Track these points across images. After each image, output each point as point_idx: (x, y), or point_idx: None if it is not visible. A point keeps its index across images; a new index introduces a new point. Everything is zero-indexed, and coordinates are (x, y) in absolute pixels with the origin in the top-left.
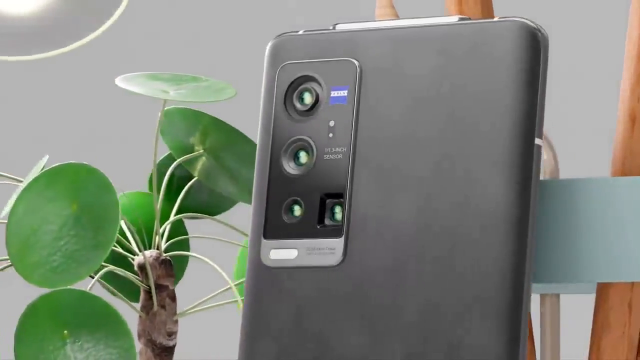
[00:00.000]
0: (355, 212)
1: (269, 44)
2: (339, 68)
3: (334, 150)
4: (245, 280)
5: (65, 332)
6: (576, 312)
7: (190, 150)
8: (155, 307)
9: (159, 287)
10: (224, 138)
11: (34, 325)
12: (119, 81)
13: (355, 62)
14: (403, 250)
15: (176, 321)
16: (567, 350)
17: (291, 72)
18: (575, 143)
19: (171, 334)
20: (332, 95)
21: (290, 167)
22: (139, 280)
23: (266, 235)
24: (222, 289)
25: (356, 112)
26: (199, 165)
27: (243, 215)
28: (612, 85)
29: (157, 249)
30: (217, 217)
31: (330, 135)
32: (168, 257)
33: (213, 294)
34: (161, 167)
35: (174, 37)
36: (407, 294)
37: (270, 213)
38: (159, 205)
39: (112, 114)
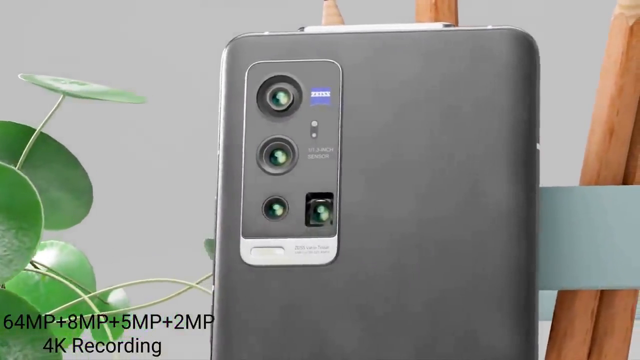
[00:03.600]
0: (346, 211)
1: (230, 44)
2: (319, 69)
3: (319, 150)
4: (218, 280)
5: None
6: None
7: None
8: None
9: None
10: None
11: None
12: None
13: (337, 63)
14: (403, 249)
15: None
16: None
17: (263, 72)
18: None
19: None
20: (312, 95)
21: (267, 167)
22: None
23: (245, 234)
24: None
25: (342, 113)
26: None
27: None
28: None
29: None
30: None
31: (314, 135)
32: None
33: None
34: None
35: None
36: (412, 291)
37: (247, 212)
38: None
39: None
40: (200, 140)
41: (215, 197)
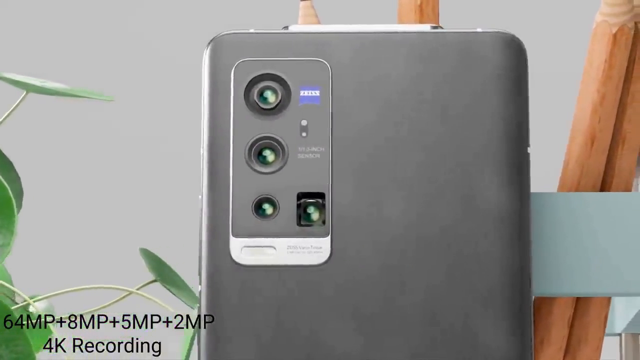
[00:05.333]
0: (338, 211)
1: (213, 42)
2: (308, 68)
3: (309, 149)
4: (207, 279)
5: None
6: None
7: None
8: None
9: None
10: None
11: None
12: None
13: (326, 62)
14: (396, 250)
15: None
16: None
17: (250, 70)
18: None
19: None
20: (302, 94)
21: (256, 165)
22: None
23: (235, 233)
24: None
25: (332, 113)
26: None
27: None
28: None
29: None
30: None
31: (304, 134)
32: None
33: None
34: None
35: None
36: (406, 292)
37: (236, 211)
38: None
39: None
40: (138, 145)
41: (200, 196)
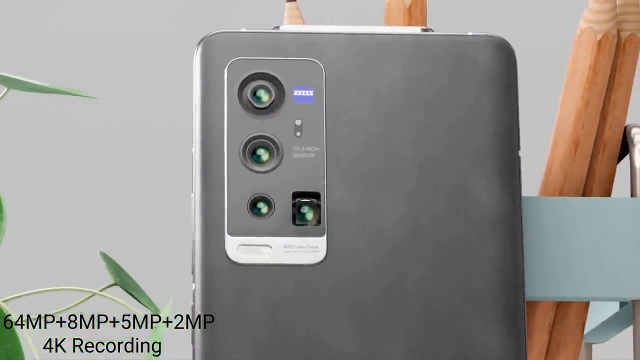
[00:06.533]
0: (333, 211)
1: (205, 40)
2: (301, 68)
3: (304, 149)
4: (202, 278)
5: None
6: None
7: None
8: None
9: None
10: None
11: None
12: None
13: (319, 63)
14: (392, 250)
15: None
16: None
17: (243, 69)
18: None
19: None
20: (295, 94)
21: (251, 164)
22: None
23: (231, 232)
24: None
25: (326, 113)
26: None
27: None
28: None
29: None
30: None
31: (298, 134)
32: None
33: None
34: None
35: None
36: (402, 292)
37: (232, 209)
38: None
39: None
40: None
41: (192, 194)
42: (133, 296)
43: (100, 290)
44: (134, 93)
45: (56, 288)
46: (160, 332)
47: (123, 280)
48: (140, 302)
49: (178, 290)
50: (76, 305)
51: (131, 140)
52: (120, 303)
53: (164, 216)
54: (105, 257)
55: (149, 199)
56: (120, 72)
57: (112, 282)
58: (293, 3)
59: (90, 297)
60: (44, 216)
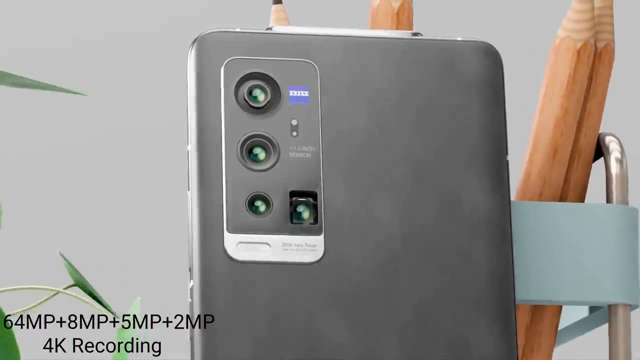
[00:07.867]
0: (330, 210)
1: (199, 40)
2: (296, 68)
3: (301, 149)
4: (200, 275)
5: None
6: None
7: None
8: None
9: None
10: None
11: None
12: None
13: (314, 64)
14: (388, 249)
15: None
16: None
17: (240, 68)
18: None
19: None
20: (291, 94)
21: (248, 162)
22: None
23: (230, 229)
24: None
25: (322, 114)
26: None
27: None
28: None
29: None
30: None
31: (294, 133)
32: None
33: None
34: None
35: None
36: (399, 291)
37: (230, 207)
38: None
39: None
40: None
41: (188, 192)
42: (92, 296)
43: (65, 289)
44: (124, 92)
45: (19, 287)
46: (130, 333)
47: (79, 281)
48: (101, 303)
49: (173, 289)
50: (41, 303)
51: (120, 141)
52: (86, 301)
53: (151, 215)
54: (63, 257)
55: (140, 198)
56: (114, 72)
57: (72, 282)
58: (280, 5)
59: (55, 294)
60: (40, 216)
